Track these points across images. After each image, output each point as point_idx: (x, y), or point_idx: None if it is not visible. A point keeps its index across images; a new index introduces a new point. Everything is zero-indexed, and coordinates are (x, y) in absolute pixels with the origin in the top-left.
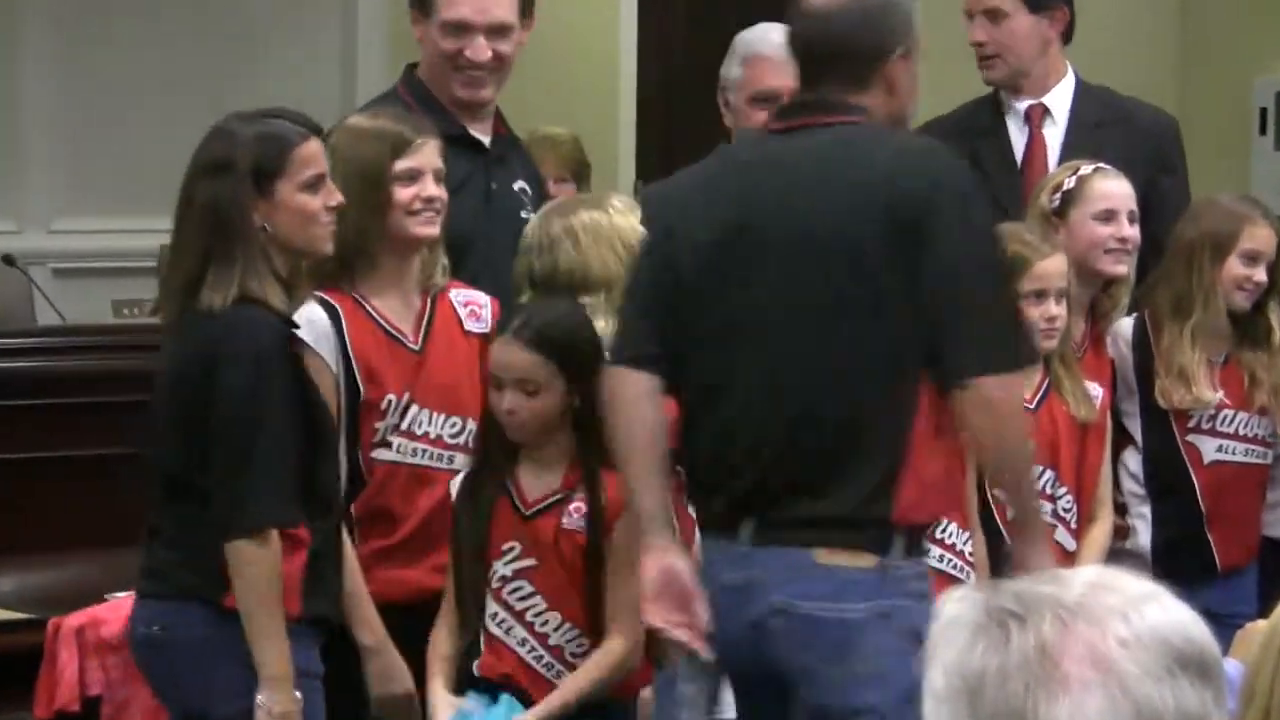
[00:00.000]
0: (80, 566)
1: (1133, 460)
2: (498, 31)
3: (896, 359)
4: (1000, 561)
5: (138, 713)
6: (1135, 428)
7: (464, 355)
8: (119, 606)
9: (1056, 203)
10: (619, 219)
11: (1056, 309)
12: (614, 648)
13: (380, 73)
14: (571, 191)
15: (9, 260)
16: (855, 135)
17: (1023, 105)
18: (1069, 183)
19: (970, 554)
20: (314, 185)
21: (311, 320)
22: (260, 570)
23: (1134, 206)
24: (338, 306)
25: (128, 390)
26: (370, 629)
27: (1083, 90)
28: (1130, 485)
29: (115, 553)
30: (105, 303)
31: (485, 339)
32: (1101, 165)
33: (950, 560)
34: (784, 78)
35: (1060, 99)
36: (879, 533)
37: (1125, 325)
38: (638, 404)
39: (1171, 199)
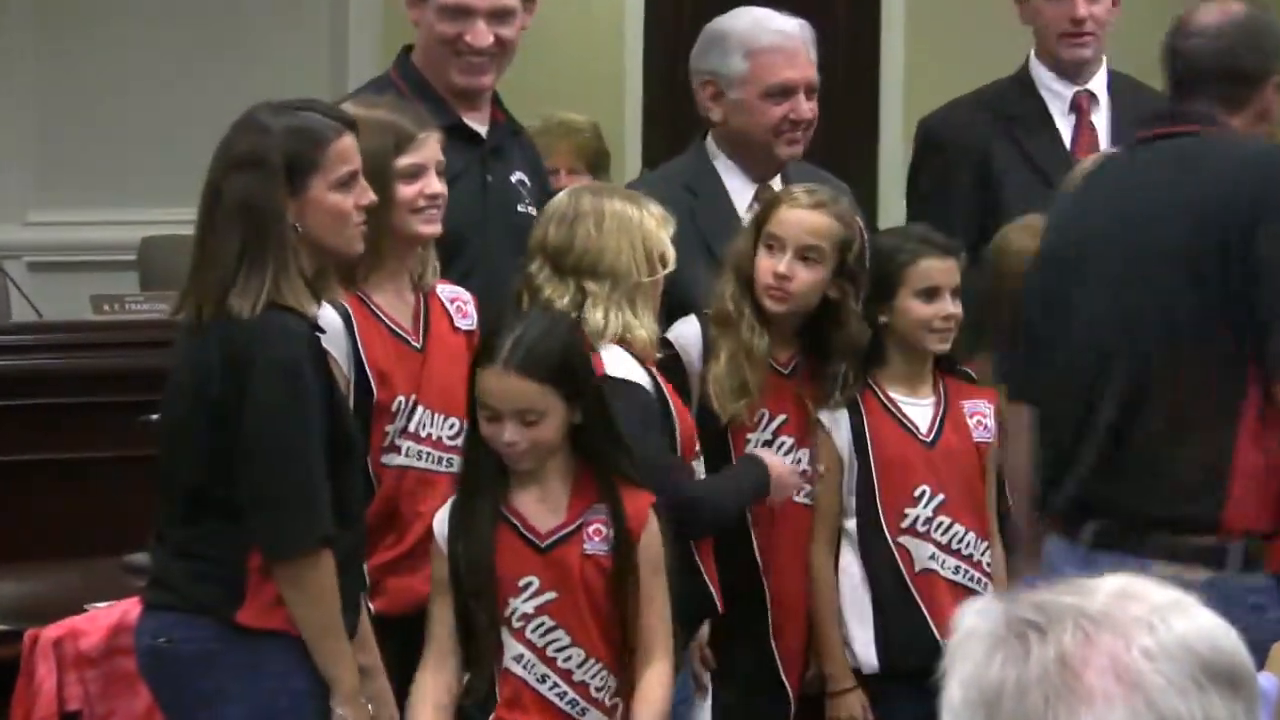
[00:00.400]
0: (58, 576)
1: None
2: (499, 15)
3: (1225, 363)
4: (1016, 572)
5: None
6: None
7: (458, 353)
8: (98, 618)
9: None
10: (649, 222)
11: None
12: (663, 671)
13: (372, 62)
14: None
15: None
16: (1194, 144)
17: (1069, 91)
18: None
19: (988, 565)
20: (347, 183)
21: (326, 322)
22: (318, 589)
23: None
24: (348, 308)
25: (108, 391)
26: (367, 648)
27: (1114, 76)
28: None
29: (95, 562)
30: (84, 298)
31: (471, 336)
32: None
33: (968, 572)
34: (799, 68)
35: (1100, 85)
36: (1213, 542)
37: None
38: (1022, 438)
39: None
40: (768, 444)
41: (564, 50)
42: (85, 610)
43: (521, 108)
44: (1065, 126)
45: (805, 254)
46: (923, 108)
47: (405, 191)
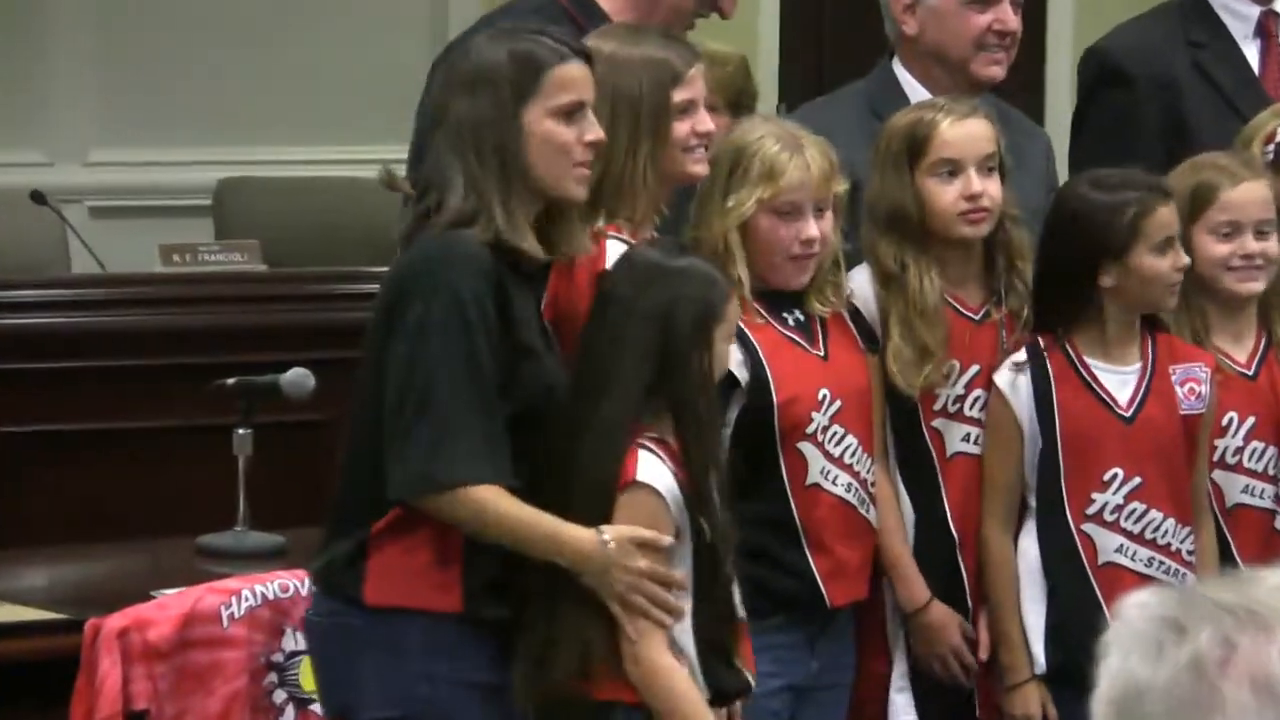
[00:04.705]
0: (123, 559)
1: None
2: None
3: None
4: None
5: None
6: None
7: None
8: (168, 606)
9: (1270, 155)
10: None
11: (1257, 244)
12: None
13: (475, 6)
14: (723, 123)
15: (38, 197)
16: None
17: (1254, 11)
18: None
19: (1189, 554)
20: (570, 114)
21: None
22: (477, 524)
23: None
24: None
25: (179, 352)
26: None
27: None
28: None
29: (164, 543)
30: (152, 248)
31: None
32: None
33: (1162, 564)
34: None
35: (1278, 4)
36: None
37: None
38: None
39: None
40: (960, 399)
41: None
42: (153, 598)
43: None
44: (1251, 52)
45: (987, 165)
46: (1096, 32)
47: (678, 129)
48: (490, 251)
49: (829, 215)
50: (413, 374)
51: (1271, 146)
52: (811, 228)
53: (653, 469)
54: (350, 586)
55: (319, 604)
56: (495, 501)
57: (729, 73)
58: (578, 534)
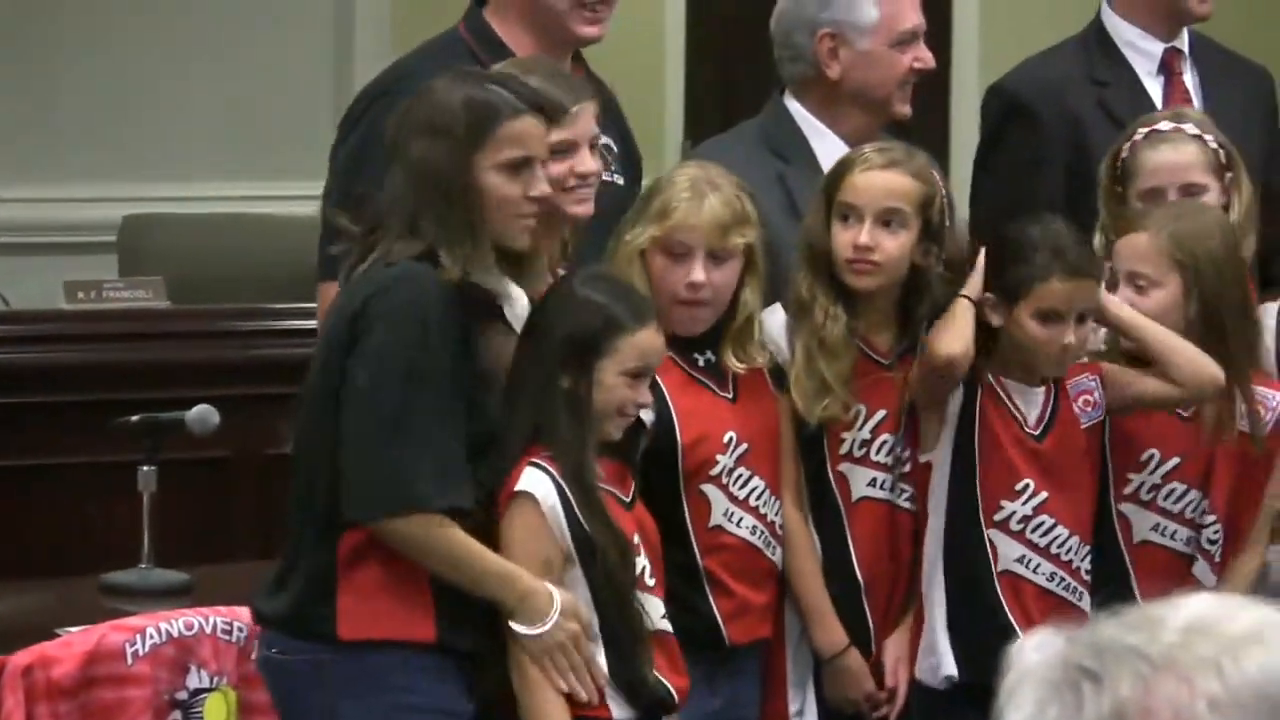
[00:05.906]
0: (27, 596)
1: None
2: None
3: None
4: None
5: None
6: None
7: None
8: (72, 643)
9: (1119, 173)
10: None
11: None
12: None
13: (379, 38)
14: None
15: None
16: None
17: (1158, 49)
18: (1124, 151)
19: (1087, 573)
20: (516, 169)
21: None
22: (424, 553)
23: (1194, 178)
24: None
25: (83, 388)
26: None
27: (1194, 35)
28: None
29: (68, 580)
30: (56, 284)
31: None
32: (1158, 127)
33: (1064, 580)
34: (919, 11)
35: (1184, 42)
36: None
37: (1270, 310)
38: None
39: None
40: (866, 443)
41: None
42: (57, 635)
43: None
44: (1154, 88)
45: (887, 219)
46: (1001, 67)
47: (554, 169)
48: (453, 286)
49: (730, 266)
50: (377, 396)
51: (1119, 166)
52: (697, 272)
53: (536, 482)
54: (322, 623)
55: (284, 642)
56: (445, 530)
57: None
58: (531, 579)
